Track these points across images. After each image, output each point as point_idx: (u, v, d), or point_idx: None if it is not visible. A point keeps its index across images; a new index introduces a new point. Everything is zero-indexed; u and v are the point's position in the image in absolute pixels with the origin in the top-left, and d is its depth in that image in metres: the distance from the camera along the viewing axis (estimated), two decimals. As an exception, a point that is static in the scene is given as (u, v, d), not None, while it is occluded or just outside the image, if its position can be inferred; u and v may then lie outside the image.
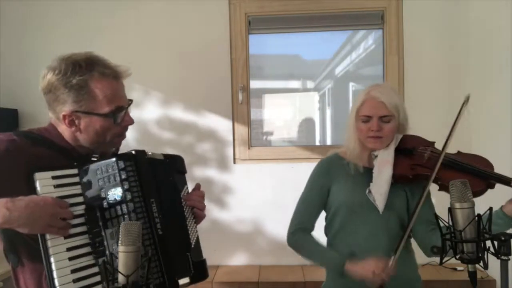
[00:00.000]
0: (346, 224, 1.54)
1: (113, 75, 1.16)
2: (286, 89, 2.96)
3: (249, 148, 2.76)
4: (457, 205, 1.02)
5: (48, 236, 1.04)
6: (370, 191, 1.49)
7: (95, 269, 1.08)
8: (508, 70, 2.16)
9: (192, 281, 1.18)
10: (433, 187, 1.48)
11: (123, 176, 1.09)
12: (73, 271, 1.05)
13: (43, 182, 1.06)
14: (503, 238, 1.01)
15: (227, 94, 2.72)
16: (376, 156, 1.50)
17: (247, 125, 2.75)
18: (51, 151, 1.15)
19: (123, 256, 0.94)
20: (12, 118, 2.68)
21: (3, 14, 2.77)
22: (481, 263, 1.02)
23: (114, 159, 1.11)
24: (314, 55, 2.90)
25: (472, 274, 1.04)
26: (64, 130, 1.18)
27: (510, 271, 1.03)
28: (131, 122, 1.22)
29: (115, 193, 1.09)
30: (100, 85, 1.13)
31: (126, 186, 1.09)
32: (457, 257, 1.03)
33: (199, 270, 1.22)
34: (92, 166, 1.12)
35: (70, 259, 1.05)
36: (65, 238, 1.05)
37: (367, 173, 1.52)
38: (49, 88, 1.14)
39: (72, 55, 1.15)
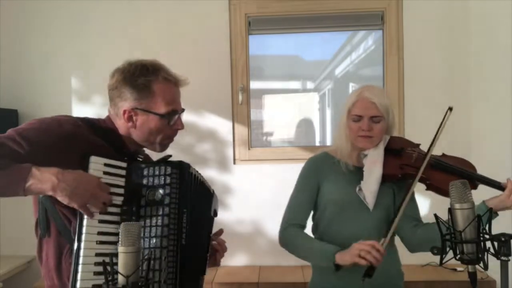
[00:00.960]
0: (335, 221, 1.56)
1: (174, 81, 1.30)
2: (286, 90, 2.96)
3: (249, 149, 2.76)
4: (457, 205, 1.02)
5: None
6: (360, 189, 1.51)
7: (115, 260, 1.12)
8: (508, 71, 2.16)
9: None
10: (420, 187, 1.51)
11: (168, 181, 1.17)
12: (97, 254, 1.10)
13: (95, 166, 1.14)
14: (503, 239, 1.01)
15: (227, 94, 2.72)
16: (365, 155, 1.54)
17: (247, 125, 2.75)
18: (106, 142, 1.23)
19: (123, 257, 0.95)
20: (12, 118, 2.68)
21: (3, 14, 2.77)
22: (481, 264, 1.02)
23: (162, 163, 1.20)
24: (314, 55, 2.90)
25: (472, 275, 1.04)
26: (121, 125, 1.27)
27: (510, 272, 1.03)
28: (182, 126, 1.32)
29: (156, 194, 1.17)
30: (162, 87, 1.25)
31: (167, 191, 1.17)
32: (457, 257, 1.03)
33: None
34: (141, 164, 1.21)
35: (98, 243, 1.11)
36: (99, 222, 1.12)
37: (357, 172, 1.54)
38: (116, 85, 1.24)
39: (139, 60, 1.28)
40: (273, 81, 2.94)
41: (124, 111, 1.23)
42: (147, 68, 1.25)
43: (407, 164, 1.51)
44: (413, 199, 1.60)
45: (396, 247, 1.61)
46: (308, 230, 1.64)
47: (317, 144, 2.89)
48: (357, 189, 1.51)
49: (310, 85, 2.90)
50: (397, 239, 1.60)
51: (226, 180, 2.73)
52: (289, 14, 2.71)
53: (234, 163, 2.74)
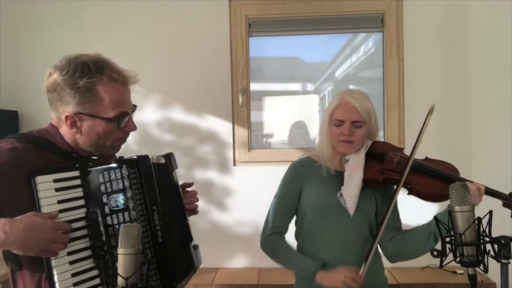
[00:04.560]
0: (316, 227, 1.55)
1: (121, 80, 1.15)
2: (286, 92, 2.96)
3: (249, 151, 2.76)
4: (457, 208, 1.02)
5: None
6: (341, 194, 1.50)
7: (95, 272, 1.08)
8: (508, 72, 2.16)
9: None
10: (402, 192, 1.49)
11: (126, 184, 1.09)
12: (74, 274, 1.05)
13: (44, 186, 1.05)
14: (503, 241, 1.01)
15: (227, 96, 2.72)
16: (347, 160, 1.53)
17: (247, 127, 2.75)
18: (52, 154, 1.13)
19: (122, 259, 0.94)
20: (12, 119, 2.68)
21: (3, 15, 2.77)
22: (481, 267, 1.02)
23: (116, 165, 1.10)
24: (314, 57, 2.90)
25: (472, 278, 1.04)
26: (66, 131, 1.16)
27: (510, 275, 1.03)
28: (134, 128, 1.21)
29: (118, 200, 1.09)
30: (108, 89, 1.11)
31: (129, 194, 1.09)
32: (457, 260, 1.03)
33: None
34: (95, 170, 1.11)
35: (71, 263, 1.05)
36: None
37: (339, 177, 1.53)
38: (54, 87, 1.11)
39: (80, 55, 1.12)
40: (273, 83, 2.94)
41: (67, 117, 1.11)
42: (89, 67, 1.10)
43: (389, 169, 1.50)
44: (395, 208, 1.58)
45: (380, 255, 1.60)
46: (291, 235, 1.64)
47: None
48: (338, 194, 1.50)
49: (310, 87, 2.90)
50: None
51: (226, 181, 2.72)
52: (289, 16, 2.71)
53: (234, 164, 2.74)
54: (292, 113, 2.90)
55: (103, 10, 2.74)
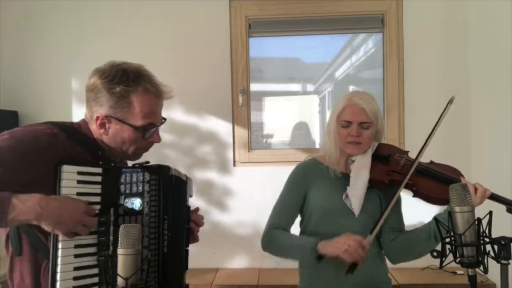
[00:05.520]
0: (321, 227, 1.54)
1: (156, 94, 1.22)
2: (286, 92, 2.96)
3: (249, 151, 2.76)
4: (457, 208, 1.02)
5: None
6: (347, 196, 1.50)
7: (95, 271, 1.09)
8: (509, 73, 2.16)
9: None
10: (407, 194, 1.50)
11: (146, 189, 1.13)
12: (76, 268, 1.07)
13: (68, 176, 1.09)
14: (503, 242, 1.01)
15: (227, 96, 2.72)
16: (353, 161, 1.53)
17: (247, 127, 2.75)
18: (81, 147, 1.18)
19: (122, 259, 0.94)
20: (13, 119, 2.68)
21: (3, 15, 2.77)
22: (481, 267, 1.02)
23: (140, 169, 1.15)
24: (314, 58, 2.90)
25: (472, 278, 1.04)
26: (94, 129, 1.22)
27: (510, 275, 1.03)
28: (158, 140, 1.27)
29: (134, 203, 1.13)
30: (141, 99, 1.19)
31: (146, 199, 1.13)
32: (457, 261, 1.03)
33: None
34: (118, 170, 1.15)
35: (76, 256, 1.07)
36: (76, 234, 1.08)
37: (345, 178, 1.53)
38: (92, 88, 1.18)
39: (124, 63, 1.20)
40: (273, 84, 2.94)
41: (97, 117, 1.18)
42: (128, 75, 1.18)
43: (395, 171, 1.50)
44: (398, 209, 1.59)
45: (384, 255, 1.61)
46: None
47: (317, 146, 2.89)
48: (344, 196, 1.50)
49: (310, 87, 2.90)
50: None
51: (226, 182, 2.73)
52: (289, 16, 2.72)
53: (234, 165, 2.74)
54: (292, 114, 2.90)
55: (103, 10, 2.74)
